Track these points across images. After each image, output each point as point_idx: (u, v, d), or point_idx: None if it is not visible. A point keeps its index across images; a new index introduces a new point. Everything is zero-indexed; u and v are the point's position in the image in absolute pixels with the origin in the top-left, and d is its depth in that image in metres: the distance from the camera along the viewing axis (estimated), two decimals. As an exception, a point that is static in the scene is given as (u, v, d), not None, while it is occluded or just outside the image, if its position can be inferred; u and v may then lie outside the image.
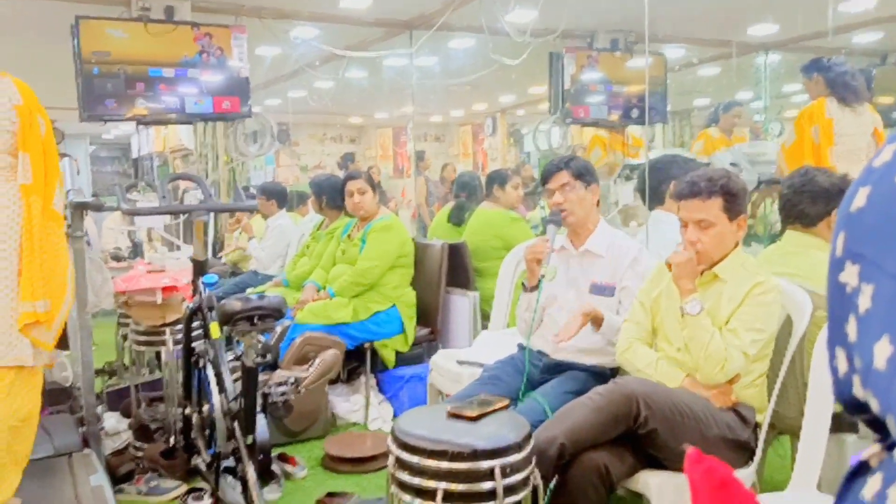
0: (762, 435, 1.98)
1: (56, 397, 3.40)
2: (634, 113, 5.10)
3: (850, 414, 0.43)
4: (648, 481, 1.88)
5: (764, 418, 2.00)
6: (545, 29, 4.54)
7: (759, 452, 1.94)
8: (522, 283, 2.48)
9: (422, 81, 5.79)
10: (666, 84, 5.28)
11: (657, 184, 2.99)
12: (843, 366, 0.43)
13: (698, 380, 1.97)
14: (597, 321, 2.28)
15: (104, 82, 3.61)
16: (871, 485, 0.40)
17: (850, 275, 0.43)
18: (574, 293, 2.49)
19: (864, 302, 0.41)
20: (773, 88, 6.39)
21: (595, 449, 1.83)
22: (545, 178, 2.52)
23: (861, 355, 0.40)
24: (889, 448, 0.38)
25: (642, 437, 1.85)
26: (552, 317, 2.51)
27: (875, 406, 0.39)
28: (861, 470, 0.42)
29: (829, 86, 3.60)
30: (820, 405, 1.77)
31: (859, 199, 0.43)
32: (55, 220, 2.39)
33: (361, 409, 3.69)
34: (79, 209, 2.98)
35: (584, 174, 2.47)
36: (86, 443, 2.98)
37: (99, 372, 3.85)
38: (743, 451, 1.94)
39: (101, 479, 2.67)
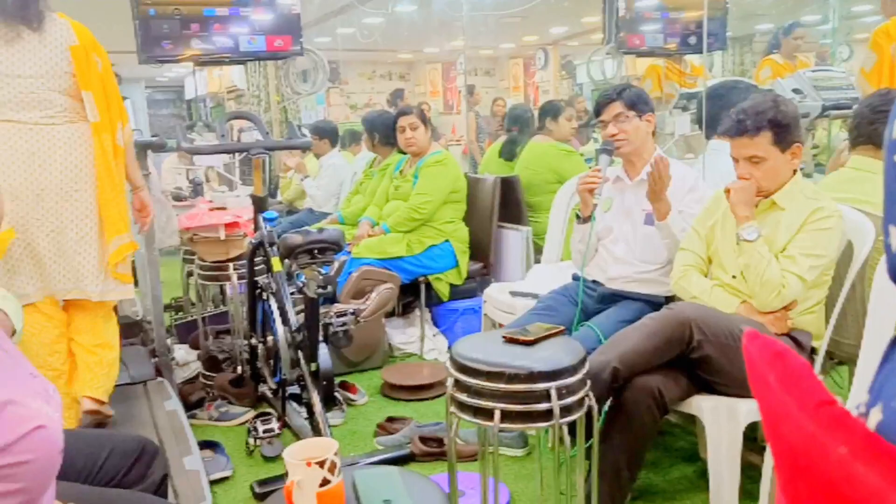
0: (819, 361, 1.98)
1: (128, 331, 3.59)
2: (692, 40, 4.92)
3: None
4: (701, 405, 1.91)
5: (821, 345, 2.00)
6: (599, -46, 4.39)
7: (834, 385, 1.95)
8: (577, 214, 2.49)
9: (472, 14, 5.69)
10: (726, 9, 5.06)
11: (716, 112, 2.91)
12: (894, 243, 0.45)
13: (754, 306, 1.97)
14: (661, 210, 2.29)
15: (160, 24, 3.66)
16: None
17: None
18: (629, 224, 2.49)
19: None
20: (842, 9, 6.05)
21: (648, 373, 1.87)
22: (598, 109, 2.49)
23: None
24: None
25: (695, 362, 1.87)
26: (607, 247, 2.52)
27: None
28: None
29: None
30: (879, 332, 1.76)
31: None
32: (120, 155, 2.48)
33: (417, 340, 3.80)
34: (143, 149, 3.08)
35: (638, 103, 2.43)
36: (158, 372, 3.16)
37: (166, 307, 4.04)
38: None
39: (174, 404, 2.84)
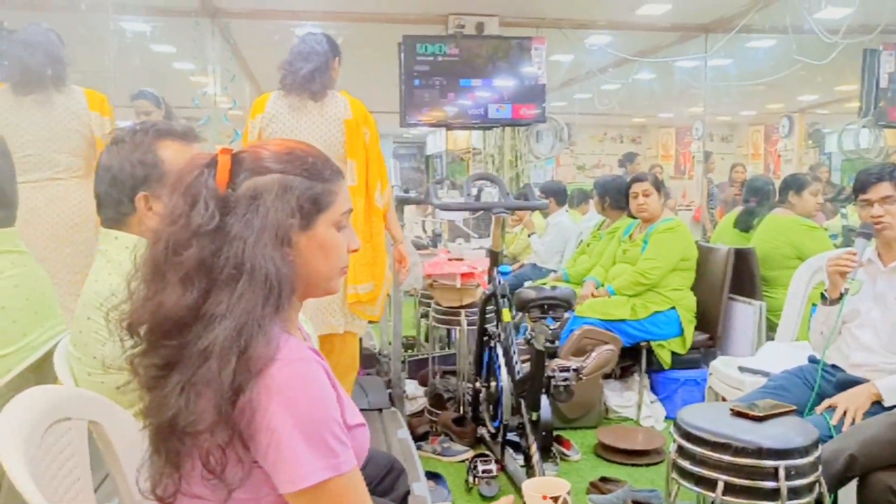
0: None
1: (367, 361, 3.99)
2: (967, 114, 4.49)
3: None
4: (954, 514, 1.76)
5: None
6: (861, 26, 4.19)
7: None
8: (822, 295, 2.40)
9: (714, 82, 5.65)
10: None
11: None
12: None
13: None
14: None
15: (422, 93, 4.15)
16: None
17: None
18: (879, 310, 2.35)
19: None
20: None
21: (890, 469, 1.76)
22: (861, 186, 2.38)
23: None
24: None
25: None
26: (852, 332, 2.40)
27: None
28: None
29: None
30: None
31: None
32: (377, 214, 2.84)
33: (633, 405, 3.79)
34: (400, 203, 3.49)
35: None
36: (392, 402, 3.49)
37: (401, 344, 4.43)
38: None
39: (405, 433, 3.11)
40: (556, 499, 1.29)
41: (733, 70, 5.96)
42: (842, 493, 1.87)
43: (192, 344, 0.95)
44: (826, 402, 2.18)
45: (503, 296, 3.03)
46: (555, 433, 3.32)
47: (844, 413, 2.10)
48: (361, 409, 3.07)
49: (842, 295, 2.30)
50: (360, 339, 3.03)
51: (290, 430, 0.94)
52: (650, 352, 3.76)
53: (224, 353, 0.93)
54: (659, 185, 3.93)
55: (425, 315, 4.35)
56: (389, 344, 3.85)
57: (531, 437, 2.68)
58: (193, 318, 0.97)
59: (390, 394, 3.57)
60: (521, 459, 2.93)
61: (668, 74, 6.32)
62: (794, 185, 4.03)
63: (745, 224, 4.49)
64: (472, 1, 4.26)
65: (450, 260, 3.93)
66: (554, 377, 2.76)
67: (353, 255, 2.73)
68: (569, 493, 1.31)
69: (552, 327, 2.64)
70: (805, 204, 3.96)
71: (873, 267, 2.40)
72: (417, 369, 4.21)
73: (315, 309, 2.76)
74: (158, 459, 1.00)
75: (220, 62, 4.69)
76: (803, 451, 1.56)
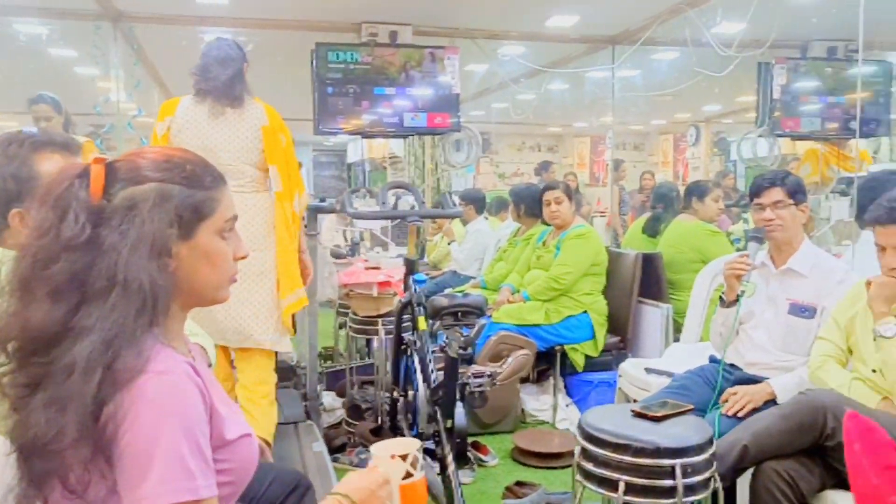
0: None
1: (283, 374, 3.92)
2: (853, 125, 4.79)
3: None
4: (836, 500, 1.86)
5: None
6: (753, 41, 4.42)
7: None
8: (720, 297, 2.51)
9: (622, 93, 5.84)
10: (889, 93, 4.88)
11: (869, 202, 2.84)
12: None
13: (894, 403, 1.92)
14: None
15: (336, 101, 4.12)
16: None
17: None
18: (772, 311, 2.48)
19: None
20: None
21: (780, 458, 1.86)
22: (756, 191, 2.49)
23: None
24: None
25: (830, 451, 1.83)
26: (747, 332, 2.52)
27: None
28: None
29: None
30: None
31: None
32: (295, 221, 2.81)
33: (549, 408, 3.86)
34: (314, 212, 3.45)
35: (797, 192, 2.44)
36: (308, 415, 3.43)
37: (318, 355, 4.37)
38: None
39: (321, 446, 3.07)
40: (404, 456, 1.27)
41: (640, 81, 6.19)
42: (739, 482, 1.96)
43: (59, 359, 0.92)
44: (728, 392, 2.29)
45: (419, 304, 3.03)
46: (472, 439, 3.35)
47: (740, 401, 2.22)
48: (277, 423, 3.01)
49: (738, 297, 2.41)
50: (276, 352, 2.97)
51: (148, 445, 0.92)
52: (564, 355, 3.84)
53: (89, 366, 0.91)
54: (570, 193, 4.03)
55: (343, 325, 4.31)
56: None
57: (446, 445, 2.69)
58: (63, 333, 0.93)
59: (306, 406, 3.51)
60: (437, 467, 2.94)
61: (579, 85, 6.49)
62: (696, 191, 4.21)
63: (652, 230, 4.66)
64: (385, 9, 4.26)
65: (367, 269, 3.91)
66: (469, 384, 2.79)
67: (287, 263, 2.66)
68: (419, 450, 1.29)
69: (467, 334, 2.66)
70: (707, 209, 4.14)
71: (766, 270, 2.53)
72: (335, 380, 4.16)
73: (243, 321, 2.69)
74: (22, 483, 0.96)
75: (125, 67, 4.51)
76: (698, 449, 1.63)
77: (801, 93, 4.78)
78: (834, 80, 4.81)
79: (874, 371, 2.00)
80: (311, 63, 4.21)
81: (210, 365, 1.80)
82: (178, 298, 1.06)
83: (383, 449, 1.30)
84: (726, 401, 2.28)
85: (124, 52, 4.54)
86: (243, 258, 1.16)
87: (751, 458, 1.85)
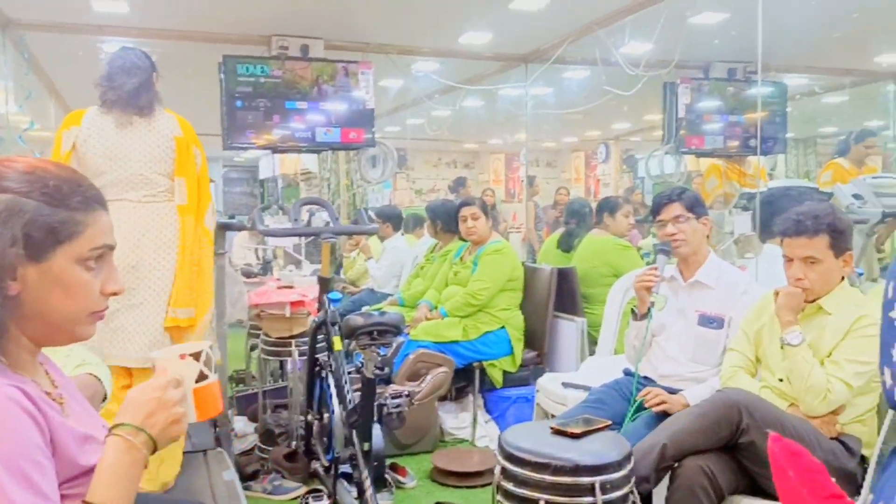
0: (870, 470, 1.96)
1: (192, 399, 3.73)
2: (752, 142, 5.02)
3: None
4: (746, 507, 1.90)
5: (872, 452, 1.98)
6: (659, 61, 4.58)
7: (866, 488, 1.92)
8: (633, 310, 2.55)
9: (535, 111, 5.94)
10: (785, 113, 5.16)
11: (769, 217, 2.97)
12: (888, 381, 0.55)
13: (801, 410, 1.98)
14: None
15: (246, 115, 4.00)
16: None
17: None
18: (683, 323, 2.54)
19: None
20: (905, 116, 6.08)
21: (699, 455, 1.88)
22: (656, 208, 2.57)
23: None
24: None
25: (742, 449, 1.87)
26: (659, 344, 2.57)
27: None
28: None
29: None
30: None
31: None
32: (206, 236, 2.71)
33: (469, 426, 3.83)
34: (222, 229, 3.31)
35: (696, 206, 2.52)
36: (218, 442, 3.28)
37: (229, 379, 4.19)
38: (848, 483, 1.92)
39: (232, 475, 2.93)
40: (196, 355, 1.12)
41: (552, 99, 6.31)
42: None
43: None
44: (647, 389, 2.31)
45: (334, 323, 2.95)
46: (390, 461, 3.27)
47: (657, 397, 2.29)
48: (184, 452, 2.85)
49: (649, 309, 2.45)
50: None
51: None
52: (483, 371, 3.82)
53: None
54: (487, 209, 4.04)
55: (255, 347, 4.16)
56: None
57: (364, 468, 2.61)
58: None
59: (216, 433, 3.35)
60: (354, 492, 2.85)
61: (493, 102, 6.56)
62: (607, 207, 4.30)
63: (566, 244, 4.73)
64: (296, 23, 4.18)
65: (279, 288, 3.78)
66: (386, 404, 2.72)
67: (180, 276, 2.54)
68: (211, 347, 1.16)
69: (382, 354, 2.60)
70: (618, 225, 4.24)
71: (676, 283, 2.59)
72: (247, 405, 4.00)
73: (135, 336, 2.54)
74: None
75: (15, 77, 4.24)
76: (617, 466, 1.62)
77: (705, 112, 4.99)
78: (735, 100, 5.04)
79: (781, 380, 2.07)
80: (220, 76, 4.07)
81: (105, 397, 1.67)
82: (24, 326, 0.96)
83: (170, 351, 1.14)
84: (647, 394, 2.32)
85: (15, 62, 4.26)
86: (115, 294, 1.05)
87: (670, 457, 1.87)
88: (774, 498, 1.86)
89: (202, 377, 1.11)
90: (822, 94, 6.45)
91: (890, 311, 0.56)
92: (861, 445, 1.99)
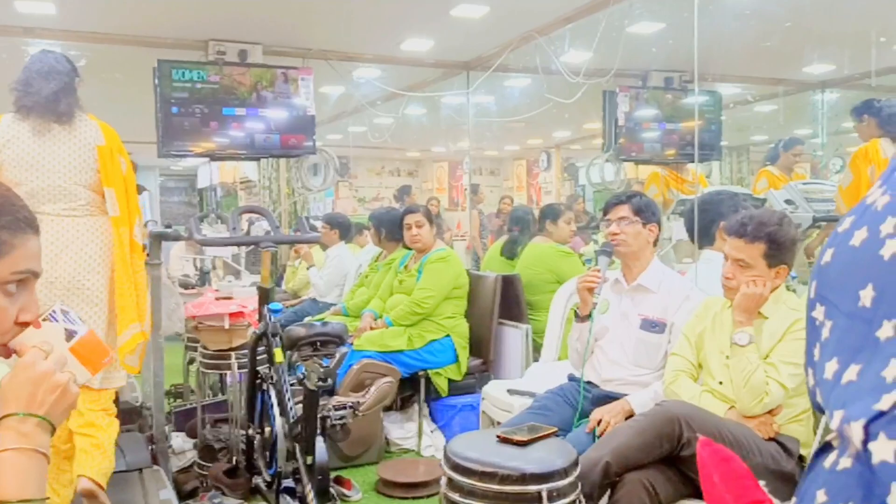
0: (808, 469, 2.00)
1: (127, 416, 3.60)
2: (689, 150, 5.15)
3: (820, 413, 0.57)
4: (691, 511, 1.92)
5: (809, 452, 2.03)
6: (598, 69, 4.66)
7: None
8: (575, 313, 2.56)
9: (478, 118, 5.96)
10: (720, 121, 5.31)
11: (706, 222, 3.03)
12: (811, 381, 0.56)
13: (738, 410, 2.02)
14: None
15: (182, 121, 3.88)
16: (830, 457, 0.54)
17: (818, 312, 0.55)
18: (625, 327, 2.56)
19: (825, 333, 0.54)
20: (832, 125, 6.35)
21: (641, 469, 1.89)
22: (606, 209, 2.62)
23: (819, 371, 0.53)
24: (840, 436, 0.50)
25: (685, 460, 1.90)
26: (602, 348, 2.58)
27: (823, 406, 0.52)
28: (826, 449, 0.57)
29: (880, 126, 3.60)
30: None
31: (827, 256, 0.56)
32: (136, 250, 2.60)
33: (414, 436, 3.79)
34: (157, 239, 3.20)
35: (645, 211, 2.55)
36: (155, 460, 3.16)
37: (166, 394, 4.05)
38: (787, 483, 1.96)
39: (169, 493, 2.83)
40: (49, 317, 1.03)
41: (494, 107, 6.36)
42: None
43: None
44: (592, 421, 2.32)
45: (274, 335, 2.88)
46: (334, 474, 3.21)
47: (600, 422, 2.26)
48: (118, 471, 2.74)
49: (591, 312, 2.47)
50: (117, 392, 2.70)
51: None
52: (428, 380, 3.79)
53: None
54: (431, 217, 4.02)
55: (193, 361, 4.03)
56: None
57: (307, 482, 2.55)
58: None
59: (153, 450, 3.23)
60: (298, 507, 2.78)
61: (436, 109, 6.56)
62: (550, 214, 4.34)
63: (510, 252, 4.75)
64: (234, 28, 4.09)
65: (217, 299, 3.68)
66: (330, 416, 2.67)
67: (123, 292, 2.42)
68: (62, 305, 1.07)
69: (325, 365, 2.55)
70: (561, 231, 4.28)
71: (619, 286, 2.62)
72: (185, 420, 3.87)
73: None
74: None
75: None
76: (563, 473, 1.61)
77: (643, 120, 5.09)
78: (672, 109, 5.16)
79: (721, 383, 2.10)
80: (154, 81, 3.94)
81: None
82: None
83: (23, 335, 1.03)
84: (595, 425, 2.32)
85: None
86: (26, 325, 0.98)
87: (613, 473, 1.88)
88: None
89: (71, 335, 1.03)
90: (755, 102, 6.68)
91: (812, 310, 0.56)
92: (799, 446, 2.04)
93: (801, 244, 3.80)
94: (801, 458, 2.05)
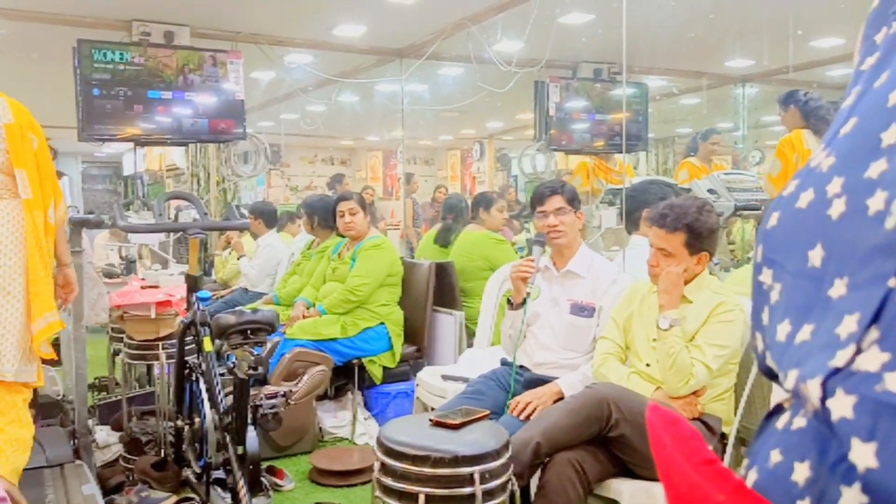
0: (729, 446, 2.09)
1: (48, 410, 3.46)
2: (617, 141, 5.27)
3: (769, 379, 0.58)
4: (621, 488, 1.98)
5: (731, 430, 2.12)
6: (530, 59, 4.71)
7: (725, 463, 2.05)
8: (508, 300, 2.59)
9: (411, 107, 5.95)
10: (647, 113, 5.45)
11: (633, 209, 3.12)
12: (760, 345, 0.57)
13: (664, 391, 2.09)
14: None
15: (104, 103, 3.73)
16: (783, 418, 0.55)
17: (766, 276, 0.56)
18: (556, 312, 2.61)
19: (774, 296, 0.55)
20: (752, 118, 6.61)
21: (571, 449, 1.94)
22: (539, 199, 2.62)
23: (769, 334, 0.54)
24: (794, 396, 0.52)
25: (613, 441, 1.96)
26: (533, 333, 2.63)
27: (775, 368, 0.54)
28: (777, 410, 0.57)
29: (804, 118, 3.75)
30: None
31: (772, 219, 0.57)
32: (51, 234, 2.47)
33: (348, 424, 3.77)
34: (79, 226, 3.07)
35: (574, 200, 2.61)
36: (77, 454, 3.05)
37: (90, 387, 3.91)
38: (708, 461, 2.04)
39: (92, 489, 2.73)
40: None
41: (428, 95, 6.35)
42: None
43: None
44: (514, 400, 2.35)
45: (203, 324, 2.81)
46: (266, 464, 3.17)
47: (527, 407, 2.29)
48: (38, 467, 2.63)
49: (524, 300, 2.51)
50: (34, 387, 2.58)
51: None
52: (362, 368, 3.78)
53: None
54: (364, 205, 3.99)
55: (118, 352, 3.90)
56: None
57: (238, 473, 2.51)
58: None
59: (75, 444, 3.12)
60: (229, 498, 2.73)
61: (369, 97, 6.51)
62: (483, 202, 4.37)
63: (444, 240, 4.77)
64: (159, 8, 3.95)
65: (143, 288, 3.57)
66: (261, 406, 2.63)
67: (37, 282, 2.30)
68: None
69: (256, 353, 2.51)
70: (493, 219, 4.32)
71: (549, 273, 2.66)
72: (110, 413, 3.74)
73: None
74: None
75: None
76: (495, 454, 1.64)
77: (573, 110, 5.18)
78: (601, 100, 5.26)
79: (648, 364, 2.17)
80: (74, 62, 3.77)
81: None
82: None
83: None
84: (515, 408, 2.35)
85: None
86: None
87: (544, 454, 1.92)
88: (644, 479, 1.96)
89: None
90: (680, 95, 6.89)
91: (759, 274, 0.58)
92: (721, 424, 2.13)
93: (723, 231, 3.94)
94: (723, 436, 2.14)
